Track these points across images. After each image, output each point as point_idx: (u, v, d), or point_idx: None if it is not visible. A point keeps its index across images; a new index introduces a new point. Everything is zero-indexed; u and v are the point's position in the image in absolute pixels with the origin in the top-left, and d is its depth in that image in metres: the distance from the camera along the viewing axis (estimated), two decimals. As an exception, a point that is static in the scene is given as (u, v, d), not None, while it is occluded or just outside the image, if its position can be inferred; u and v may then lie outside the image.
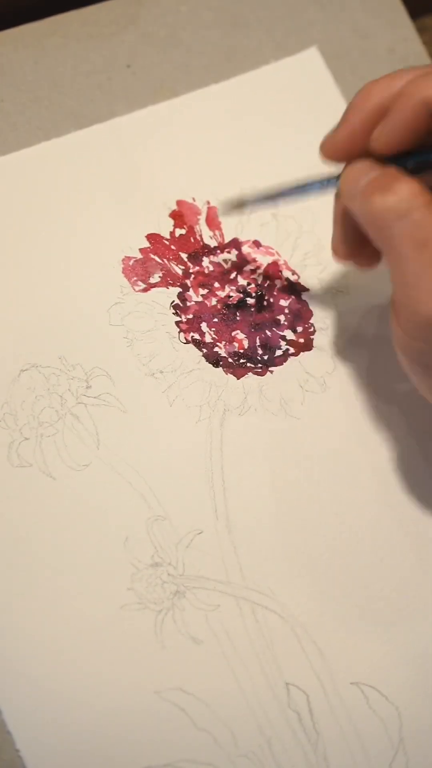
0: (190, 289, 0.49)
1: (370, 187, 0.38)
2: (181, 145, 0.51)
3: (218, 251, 0.50)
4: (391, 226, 0.37)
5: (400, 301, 0.38)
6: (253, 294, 0.50)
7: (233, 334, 0.49)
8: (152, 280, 0.49)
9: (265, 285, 0.50)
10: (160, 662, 0.43)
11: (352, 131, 0.41)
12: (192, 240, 0.50)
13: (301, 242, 0.49)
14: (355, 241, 0.42)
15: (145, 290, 0.48)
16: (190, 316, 0.49)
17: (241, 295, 0.49)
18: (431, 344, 0.37)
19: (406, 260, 0.37)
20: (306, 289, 0.51)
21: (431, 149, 0.39)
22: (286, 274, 0.51)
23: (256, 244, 0.51)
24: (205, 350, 0.48)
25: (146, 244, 0.49)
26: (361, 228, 0.40)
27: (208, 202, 0.51)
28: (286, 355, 0.49)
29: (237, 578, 0.45)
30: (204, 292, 0.49)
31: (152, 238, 0.49)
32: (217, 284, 0.49)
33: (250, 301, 0.49)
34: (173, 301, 0.49)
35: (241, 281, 0.50)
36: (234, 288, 0.50)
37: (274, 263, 0.51)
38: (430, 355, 0.38)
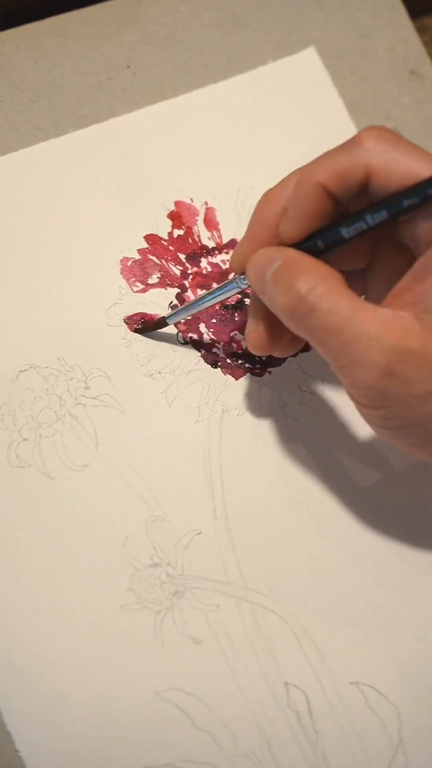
0: (189, 290, 0.49)
1: (273, 284, 0.39)
2: (179, 146, 0.51)
3: (216, 252, 0.50)
4: (306, 320, 0.38)
5: (346, 382, 0.39)
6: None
7: (231, 334, 0.49)
8: (150, 281, 0.49)
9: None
10: (159, 662, 0.43)
11: (258, 244, 0.41)
12: (190, 240, 0.50)
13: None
14: (275, 331, 0.43)
15: (143, 291, 0.48)
16: (189, 317, 0.49)
17: (239, 296, 0.49)
18: (385, 408, 0.38)
19: (332, 346, 0.37)
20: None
21: (331, 227, 0.39)
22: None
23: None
24: (203, 351, 0.48)
25: (144, 245, 0.49)
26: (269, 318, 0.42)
27: (206, 203, 0.51)
28: (284, 356, 0.49)
29: (236, 578, 0.45)
30: (202, 293, 0.49)
31: (150, 238, 0.49)
32: (215, 285, 0.49)
33: (248, 301, 0.49)
34: (171, 302, 0.49)
35: (240, 282, 0.50)
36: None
37: (273, 263, 0.51)
38: (389, 418, 0.38)
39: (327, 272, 0.38)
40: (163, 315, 0.47)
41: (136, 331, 0.48)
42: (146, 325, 0.48)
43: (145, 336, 0.48)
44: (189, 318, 0.48)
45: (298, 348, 0.45)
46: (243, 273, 0.42)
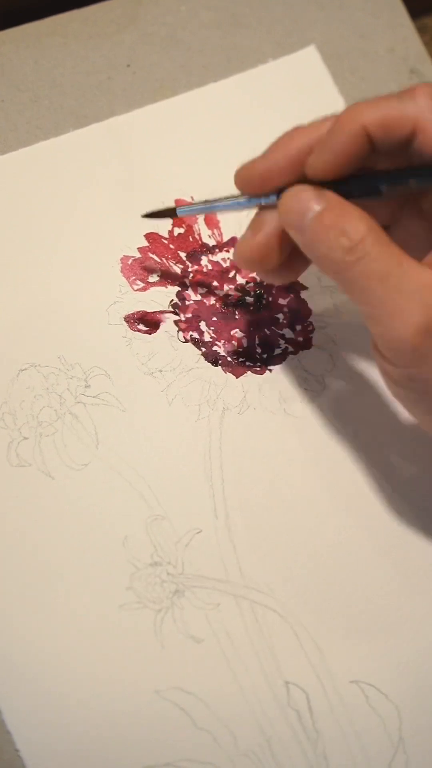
0: (189, 288, 0.49)
1: (319, 227, 0.38)
2: (179, 144, 0.51)
3: (217, 250, 0.50)
4: (352, 267, 0.37)
5: (379, 334, 0.38)
6: (252, 293, 0.50)
7: (232, 332, 0.49)
8: (151, 279, 0.49)
9: (264, 284, 0.50)
10: (159, 661, 0.43)
11: (272, 166, 0.41)
12: (190, 239, 0.50)
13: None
14: (272, 246, 0.42)
15: (143, 289, 0.48)
16: (189, 315, 0.49)
17: (240, 294, 0.49)
18: (417, 367, 0.37)
19: (374, 295, 0.37)
20: (305, 288, 0.51)
21: (369, 178, 0.39)
22: (286, 273, 0.51)
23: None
24: (204, 349, 0.48)
25: (145, 243, 0.49)
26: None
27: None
28: (285, 354, 0.49)
29: (236, 577, 0.45)
30: (203, 291, 0.49)
31: (151, 237, 0.49)
32: (215, 283, 0.49)
33: (249, 299, 0.49)
34: (172, 300, 0.49)
35: (240, 280, 0.50)
36: (233, 287, 0.50)
37: (274, 262, 0.51)
38: (418, 379, 0.38)
39: (373, 221, 0.38)
40: (173, 206, 0.46)
41: (145, 215, 0.47)
42: (155, 212, 0.47)
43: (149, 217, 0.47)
44: (200, 214, 0.47)
45: (286, 280, 0.44)
46: (246, 190, 0.41)
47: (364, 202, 0.39)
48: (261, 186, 0.41)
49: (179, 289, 0.49)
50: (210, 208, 0.45)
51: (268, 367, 0.49)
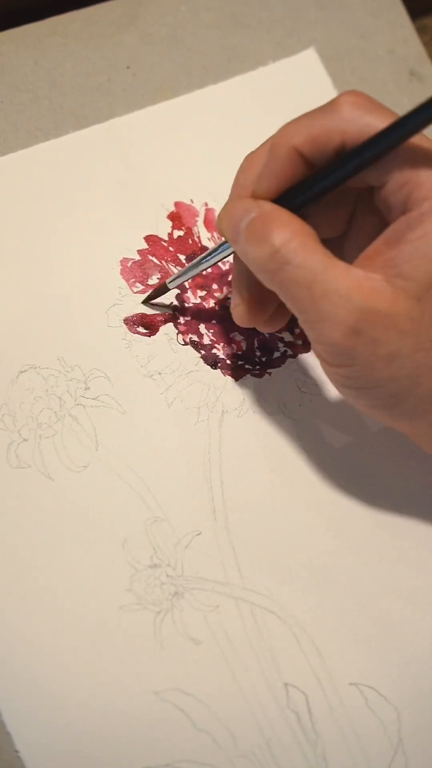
0: (189, 291, 0.49)
1: (248, 236, 0.39)
2: (179, 146, 0.51)
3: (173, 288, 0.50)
4: (275, 274, 0.38)
5: (311, 337, 0.39)
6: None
7: (231, 335, 0.49)
8: (150, 282, 0.49)
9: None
10: (159, 663, 0.43)
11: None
12: (190, 241, 0.50)
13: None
14: (251, 303, 0.44)
15: (143, 292, 0.48)
16: (189, 318, 0.49)
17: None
18: (350, 366, 0.38)
19: (301, 301, 0.38)
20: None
21: (302, 184, 0.40)
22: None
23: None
24: (203, 352, 0.48)
25: (144, 246, 0.49)
26: (254, 288, 0.42)
27: (206, 204, 0.51)
28: (284, 357, 0.49)
29: (236, 579, 0.45)
30: (202, 293, 0.49)
31: (150, 239, 0.49)
32: (215, 286, 0.49)
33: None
34: (171, 303, 0.49)
35: (240, 283, 0.50)
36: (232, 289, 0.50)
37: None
38: (353, 377, 0.39)
39: (301, 227, 0.38)
40: (164, 282, 0.47)
41: (144, 302, 0.48)
42: (150, 294, 0.48)
43: (150, 306, 0.48)
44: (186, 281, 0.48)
45: (283, 323, 0.45)
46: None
47: (311, 213, 0.40)
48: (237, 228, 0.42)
49: (179, 291, 0.49)
50: (195, 269, 0.46)
51: (267, 370, 0.49)
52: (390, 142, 0.37)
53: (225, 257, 0.44)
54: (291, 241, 0.37)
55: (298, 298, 0.38)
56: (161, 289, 0.48)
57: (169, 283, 0.47)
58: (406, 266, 0.37)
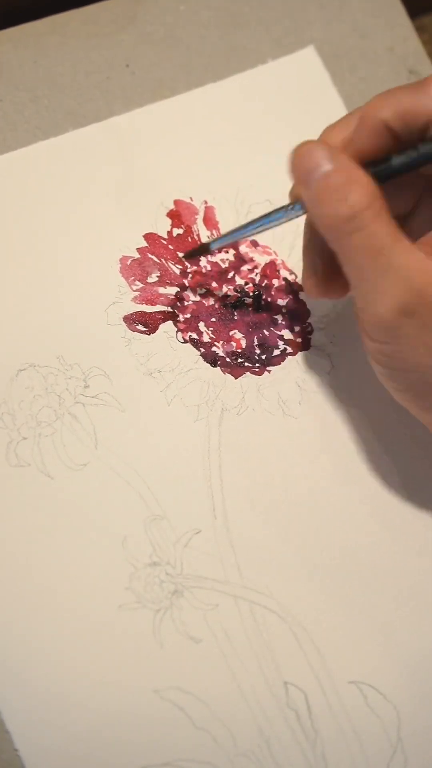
0: (188, 289, 0.49)
1: (323, 189, 0.38)
2: (178, 145, 0.51)
3: (216, 251, 0.50)
4: (347, 236, 0.38)
5: (360, 306, 0.39)
6: (251, 293, 0.50)
7: (231, 333, 0.49)
8: (150, 280, 0.49)
9: (263, 284, 0.50)
10: (158, 661, 0.43)
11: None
12: (189, 239, 0.50)
13: (299, 242, 0.48)
14: (326, 273, 0.43)
15: (142, 290, 0.48)
16: (188, 316, 0.49)
17: (239, 295, 0.49)
18: (391, 344, 0.38)
19: (363, 268, 0.38)
20: (303, 289, 0.51)
21: (383, 157, 0.40)
22: (284, 273, 0.51)
23: (254, 243, 0.51)
24: (202, 350, 0.48)
25: (144, 244, 0.49)
26: (327, 256, 0.42)
27: (206, 202, 0.51)
28: (283, 355, 0.49)
29: (235, 577, 0.45)
30: (202, 291, 0.49)
31: (150, 237, 0.49)
32: (214, 284, 0.49)
33: (248, 300, 0.49)
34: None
35: (239, 281, 0.50)
36: (232, 287, 0.50)
37: (272, 263, 0.51)
38: (392, 356, 0.39)
39: (379, 193, 0.38)
40: (206, 242, 0.47)
41: (183, 257, 0.48)
42: (192, 251, 0.48)
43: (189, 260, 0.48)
44: (233, 241, 0.47)
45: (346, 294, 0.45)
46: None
47: (385, 185, 0.40)
48: None
49: (178, 289, 0.49)
50: (245, 232, 0.45)
51: (267, 368, 0.49)
52: None
53: (278, 225, 0.43)
54: (369, 208, 0.37)
55: (360, 266, 0.38)
56: (203, 249, 0.47)
57: (212, 243, 0.46)
58: None
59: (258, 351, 0.49)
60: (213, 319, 0.49)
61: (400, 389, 0.41)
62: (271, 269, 0.50)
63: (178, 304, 0.49)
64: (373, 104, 0.40)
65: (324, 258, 0.43)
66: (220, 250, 0.49)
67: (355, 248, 0.37)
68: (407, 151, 0.39)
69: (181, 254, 0.48)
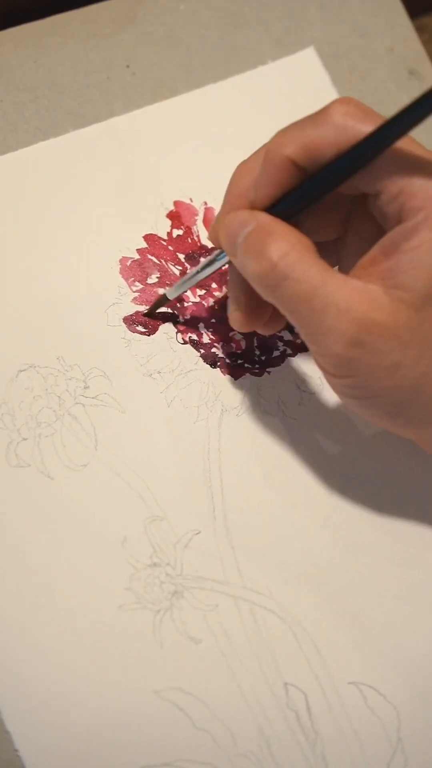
0: (188, 290, 0.49)
1: (245, 249, 0.39)
2: (179, 145, 0.51)
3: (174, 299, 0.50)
4: (276, 288, 0.38)
5: (312, 349, 0.39)
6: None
7: (231, 334, 0.49)
8: (150, 281, 0.49)
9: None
10: (158, 662, 0.43)
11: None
12: (189, 240, 0.50)
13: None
14: (248, 307, 0.44)
15: (142, 291, 0.48)
16: (188, 317, 0.49)
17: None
18: (352, 377, 0.38)
19: (301, 314, 0.38)
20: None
21: (296, 189, 0.40)
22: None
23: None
24: (202, 351, 0.48)
25: (144, 245, 0.49)
26: (250, 292, 0.42)
27: (206, 203, 0.51)
28: (283, 356, 0.49)
29: (235, 578, 0.45)
30: (201, 292, 0.49)
31: (149, 238, 0.49)
32: (214, 285, 0.49)
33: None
34: (173, 311, 0.49)
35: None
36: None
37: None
38: (356, 387, 0.39)
39: (299, 239, 0.38)
40: (162, 292, 0.47)
41: (145, 315, 0.48)
42: (151, 308, 0.48)
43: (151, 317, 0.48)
44: (186, 296, 0.48)
45: (281, 325, 0.45)
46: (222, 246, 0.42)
47: (308, 219, 0.41)
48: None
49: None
50: (192, 279, 0.45)
51: (267, 369, 0.49)
52: (378, 145, 0.37)
53: (221, 267, 0.44)
54: (288, 255, 0.37)
55: (298, 312, 0.38)
56: (161, 301, 0.48)
57: (169, 294, 0.47)
58: (404, 276, 0.37)
59: (258, 352, 0.49)
60: (213, 321, 0.49)
61: (374, 414, 0.41)
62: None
63: (178, 305, 0.49)
64: (276, 141, 0.40)
65: (246, 293, 0.43)
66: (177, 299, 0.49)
67: (287, 297, 0.38)
68: (317, 180, 0.39)
69: (143, 314, 0.48)
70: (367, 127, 0.38)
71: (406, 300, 0.37)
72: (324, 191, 0.39)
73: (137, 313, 0.48)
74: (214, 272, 0.45)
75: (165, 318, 0.48)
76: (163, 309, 0.48)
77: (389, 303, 0.37)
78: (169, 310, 0.48)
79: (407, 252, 0.37)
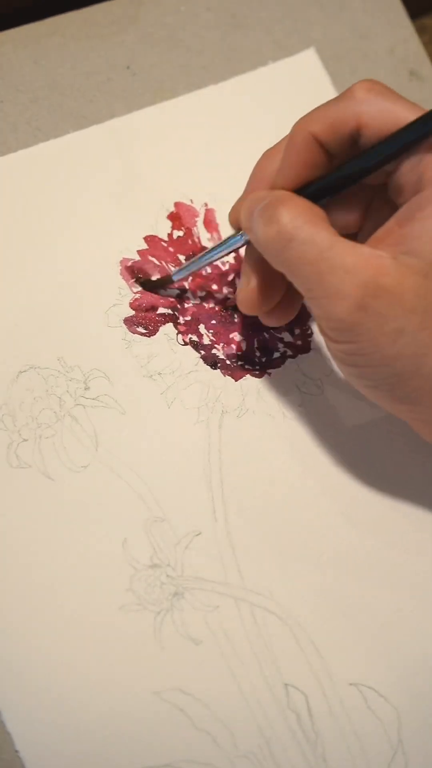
0: (188, 291, 0.49)
1: (258, 218, 0.39)
2: (179, 147, 0.51)
3: (176, 282, 0.50)
4: (283, 252, 0.38)
5: (317, 314, 0.39)
6: (251, 296, 0.50)
7: (231, 336, 0.49)
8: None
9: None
10: (159, 663, 0.43)
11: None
12: (190, 242, 0.50)
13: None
14: (265, 288, 0.44)
15: (142, 292, 0.48)
16: (188, 318, 0.49)
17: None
18: (355, 342, 0.38)
19: (307, 277, 0.38)
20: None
21: (321, 177, 0.41)
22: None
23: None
24: (203, 352, 0.48)
25: (144, 246, 0.49)
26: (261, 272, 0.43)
27: (206, 204, 0.51)
28: (284, 358, 0.49)
29: (236, 579, 0.45)
30: (202, 294, 0.49)
31: (150, 239, 0.49)
32: (215, 286, 0.50)
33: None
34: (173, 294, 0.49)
35: (239, 283, 0.50)
36: (232, 290, 0.50)
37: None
38: (358, 354, 0.39)
39: (309, 206, 0.39)
40: (168, 274, 0.48)
41: (139, 283, 0.48)
42: (153, 282, 0.48)
43: (147, 290, 0.48)
44: (193, 273, 0.48)
45: (287, 319, 0.45)
46: (239, 229, 0.43)
47: (330, 206, 0.41)
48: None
49: (178, 292, 0.49)
50: (202, 261, 0.46)
51: (267, 371, 0.49)
52: (415, 136, 0.38)
53: (232, 251, 0.45)
54: (297, 219, 0.38)
55: (304, 275, 0.38)
56: (165, 281, 0.48)
57: (174, 275, 0.47)
58: (415, 243, 0.38)
59: (258, 353, 0.49)
60: (213, 322, 0.49)
61: (372, 386, 0.41)
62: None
63: (179, 306, 0.49)
64: (301, 121, 0.41)
65: (258, 269, 0.43)
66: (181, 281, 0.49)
67: (294, 260, 0.38)
68: (344, 168, 0.40)
69: (138, 285, 0.48)
70: (390, 104, 0.39)
71: (415, 267, 0.37)
72: (351, 178, 0.40)
73: (138, 314, 0.48)
74: (223, 255, 0.45)
75: (165, 319, 0.48)
76: (163, 309, 0.48)
77: (396, 268, 0.37)
78: (170, 311, 0.48)
79: (420, 220, 0.38)
